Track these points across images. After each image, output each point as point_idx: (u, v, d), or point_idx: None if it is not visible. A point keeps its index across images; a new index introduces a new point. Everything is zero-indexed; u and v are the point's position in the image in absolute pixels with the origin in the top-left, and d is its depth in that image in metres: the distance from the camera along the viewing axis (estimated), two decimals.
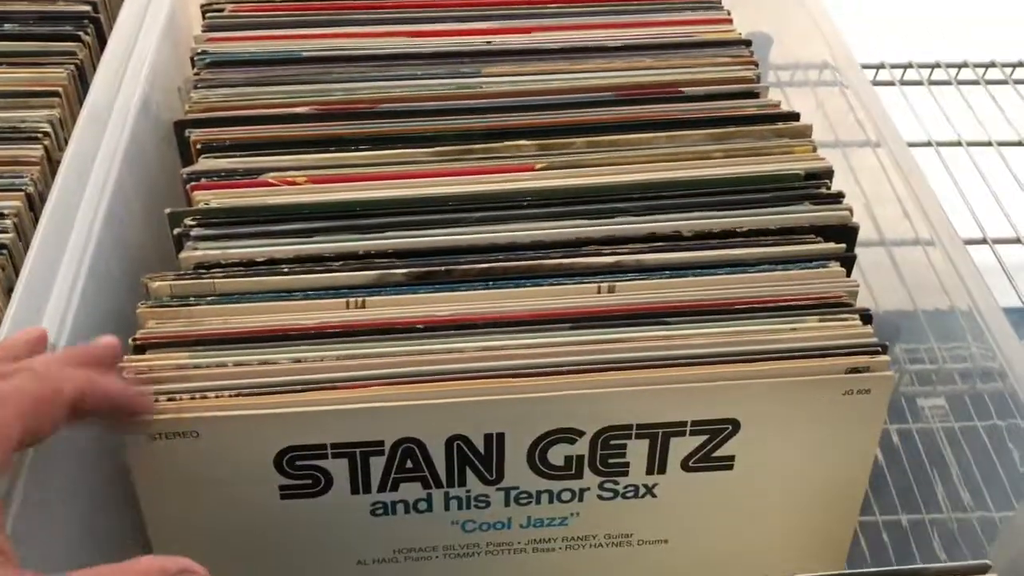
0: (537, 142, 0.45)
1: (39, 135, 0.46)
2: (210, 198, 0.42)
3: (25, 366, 0.31)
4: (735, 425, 0.37)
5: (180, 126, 0.45)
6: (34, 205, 0.44)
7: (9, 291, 0.39)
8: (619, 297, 0.39)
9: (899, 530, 0.49)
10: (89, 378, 0.32)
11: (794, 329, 0.37)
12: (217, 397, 0.35)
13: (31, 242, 0.40)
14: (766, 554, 0.41)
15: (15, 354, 0.33)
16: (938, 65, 0.76)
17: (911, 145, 0.46)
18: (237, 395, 0.35)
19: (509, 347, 0.37)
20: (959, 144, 0.70)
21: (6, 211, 0.42)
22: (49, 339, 0.36)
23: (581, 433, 0.37)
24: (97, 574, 0.27)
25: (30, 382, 0.30)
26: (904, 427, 0.51)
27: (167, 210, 0.41)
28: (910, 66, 0.76)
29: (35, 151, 0.45)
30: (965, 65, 0.76)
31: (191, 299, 0.38)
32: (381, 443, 0.36)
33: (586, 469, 0.38)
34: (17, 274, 0.40)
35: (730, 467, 0.38)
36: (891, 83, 0.75)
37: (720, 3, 0.54)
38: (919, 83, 0.76)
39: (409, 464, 0.37)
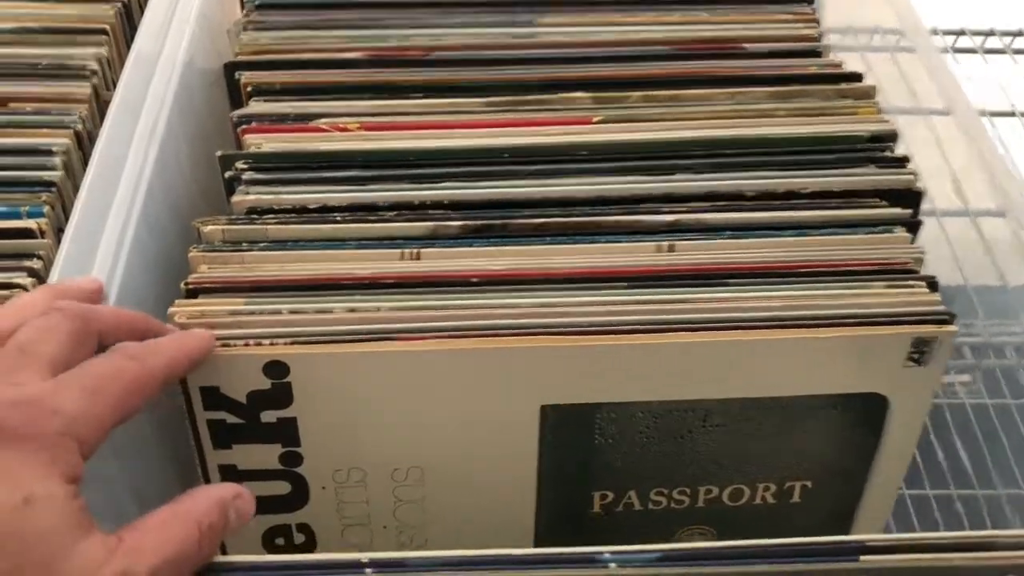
0: (592, 95, 0.43)
1: (87, 73, 0.45)
2: (261, 142, 0.41)
3: (119, 346, 0.31)
4: None
5: (230, 68, 0.44)
6: (83, 143, 0.43)
7: (59, 231, 0.39)
8: (679, 256, 0.38)
9: (949, 505, 0.49)
10: (175, 354, 0.32)
11: (859, 295, 0.36)
12: (272, 344, 0.35)
13: (81, 182, 0.40)
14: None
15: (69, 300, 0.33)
16: (1020, 33, 0.73)
17: (994, 115, 0.45)
18: (292, 343, 0.35)
19: (564, 304, 0.36)
20: None
21: (55, 148, 0.42)
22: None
23: None
24: (159, 521, 0.27)
25: (122, 361, 0.29)
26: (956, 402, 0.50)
27: (219, 152, 0.40)
28: (991, 33, 0.73)
29: (83, 89, 0.44)
30: None
31: (243, 245, 0.38)
32: None
33: None
34: (66, 213, 0.40)
35: None
36: (973, 50, 0.73)
37: None
38: (1002, 51, 0.73)
39: None
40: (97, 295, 0.35)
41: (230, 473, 0.38)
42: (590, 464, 0.38)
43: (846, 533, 0.41)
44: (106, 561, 0.25)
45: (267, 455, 0.37)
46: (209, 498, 0.29)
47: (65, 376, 0.28)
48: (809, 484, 0.39)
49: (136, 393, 0.29)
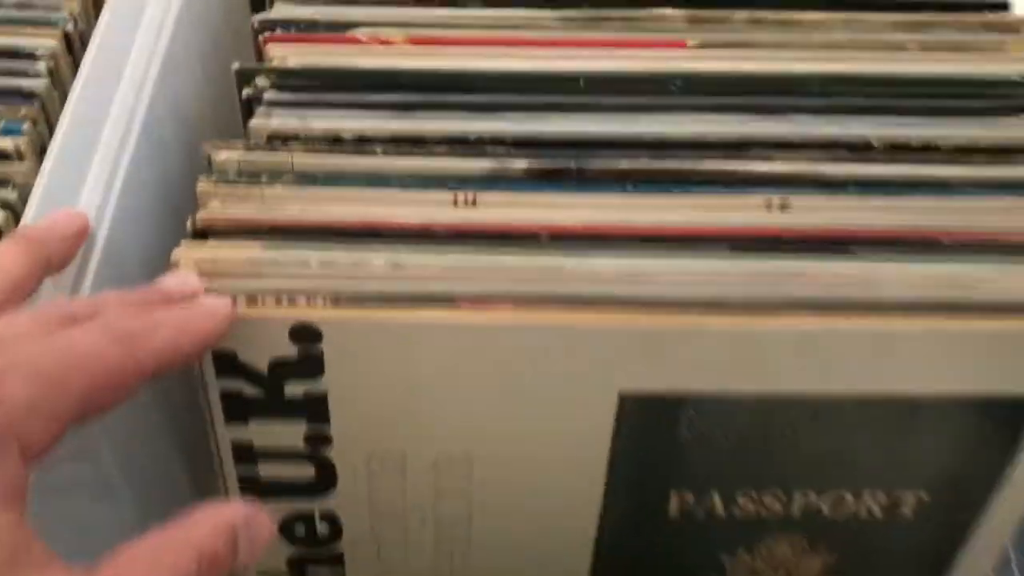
0: (687, 13, 0.36)
1: None
2: (287, 54, 0.34)
3: (96, 312, 0.24)
4: None
5: None
6: (73, 47, 0.36)
7: (42, 151, 0.32)
8: (794, 216, 0.31)
9: None
10: (177, 337, 0.25)
11: (1016, 274, 0.30)
12: (302, 305, 0.28)
13: (69, 94, 0.33)
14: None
15: (47, 252, 0.26)
16: None
17: None
18: (327, 303, 0.28)
19: (653, 272, 0.30)
20: None
21: (39, 52, 0.34)
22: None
23: None
24: (147, 550, 0.21)
25: (104, 342, 0.23)
26: None
27: (235, 65, 0.33)
28: None
29: None
30: None
31: (263, 177, 0.31)
32: None
33: None
34: (51, 131, 0.33)
35: None
36: None
37: None
38: None
39: None
40: (81, 238, 0.29)
41: (244, 453, 0.32)
42: (671, 462, 0.32)
43: (955, 557, 0.35)
44: None
45: (290, 434, 0.31)
46: (215, 521, 0.22)
47: (14, 352, 0.21)
48: (926, 497, 0.33)
49: (112, 388, 0.23)
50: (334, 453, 0.32)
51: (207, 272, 0.29)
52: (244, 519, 0.23)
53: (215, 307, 0.27)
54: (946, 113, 0.34)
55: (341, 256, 0.29)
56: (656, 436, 0.31)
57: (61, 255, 0.28)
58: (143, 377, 0.24)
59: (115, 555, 0.20)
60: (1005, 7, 0.37)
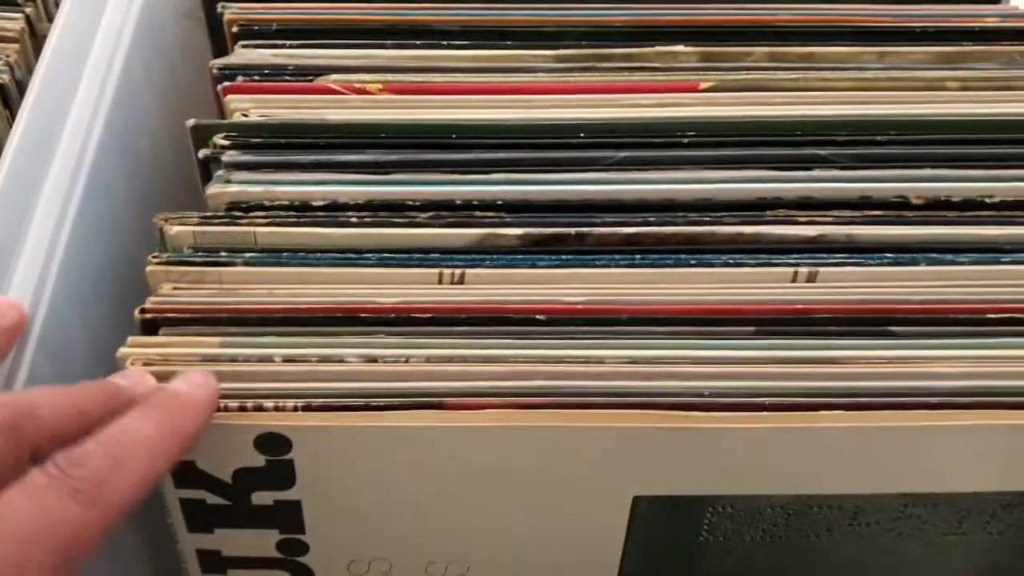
0: (700, 49, 0.32)
1: (19, 1, 0.34)
2: (248, 106, 0.31)
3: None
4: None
5: None
6: (9, 100, 0.32)
7: None
8: (823, 289, 0.28)
9: None
10: (151, 454, 0.22)
11: None
12: (265, 411, 0.25)
13: (2, 150, 0.29)
14: None
15: None
16: None
17: None
18: (295, 409, 0.25)
19: (668, 359, 0.26)
20: None
21: None
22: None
23: None
24: None
25: (71, 511, 0.19)
26: None
27: (190, 122, 0.29)
28: None
29: (13, 21, 0.33)
30: None
31: (223, 254, 0.28)
32: None
33: None
34: None
35: None
36: None
37: None
38: None
39: None
40: (15, 334, 0.25)
41: (212, 560, 0.28)
42: (690, 567, 0.29)
43: None
44: None
45: (261, 542, 0.28)
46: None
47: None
48: None
49: (79, 548, 0.19)
50: (311, 559, 0.29)
51: (157, 372, 0.25)
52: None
53: (191, 404, 0.23)
54: (994, 162, 0.30)
55: (310, 351, 0.26)
56: (675, 539, 0.28)
57: None
58: (114, 520, 0.20)
59: None
60: None
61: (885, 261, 0.28)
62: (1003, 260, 0.28)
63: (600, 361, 0.26)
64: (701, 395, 0.25)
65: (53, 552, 0.19)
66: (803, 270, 0.28)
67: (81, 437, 0.21)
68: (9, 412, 0.21)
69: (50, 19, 0.35)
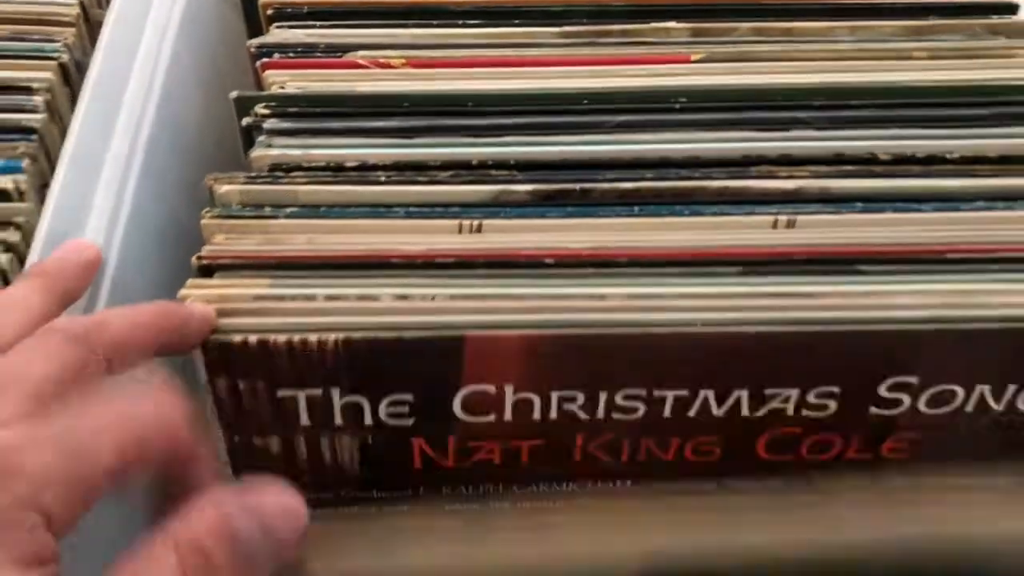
0: (691, 25, 0.36)
1: None
2: (285, 79, 0.34)
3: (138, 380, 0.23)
4: None
5: None
6: (70, 78, 0.36)
7: (43, 187, 0.32)
8: (800, 234, 0.31)
9: None
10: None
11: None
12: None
13: (69, 126, 0.33)
14: None
15: (64, 285, 0.26)
16: None
17: None
18: (332, 342, 0.28)
19: (662, 296, 0.29)
20: None
21: (35, 84, 0.34)
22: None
23: None
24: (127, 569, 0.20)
25: (146, 407, 0.22)
26: None
27: (233, 94, 0.33)
28: None
29: (70, 8, 0.37)
30: None
31: (267, 209, 0.31)
32: None
33: None
34: (52, 166, 0.33)
35: None
36: None
37: None
38: None
39: None
40: (93, 268, 0.28)
41: None
42: None
43: None
44: None
45: None
46: (201, 512, 0.20)
47: (42, 426, 0.20)
48: None
49: (140, 449, 0.21)
50: None
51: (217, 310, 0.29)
52: (242, 508, 0.21)
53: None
54: (954, 123, 0.33)
55: (349, 291, 0.29)
56: None
57: (76, 287, 0.28)
58: (175, 445, 0.22)
59: None
60: (1014, 10, 0.37)
61: (856, 209, 0.31)
62: (961, 208, 0.32)
63: (602, 297, 0.29)
64: (694, 325, 0.29)
65: (123, 443, 0.21)
66: (783, 218, 0.31)
67: (146, 348, 0.24)
68: (82, 324, 0.24)
69: (100, 5, 0.39)
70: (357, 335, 0.28)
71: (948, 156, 0.33)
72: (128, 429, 0.21)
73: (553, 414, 0.31)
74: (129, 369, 0.24)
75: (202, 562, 0.20)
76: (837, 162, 0.32)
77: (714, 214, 0.31)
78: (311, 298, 0.29)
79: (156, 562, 0.20)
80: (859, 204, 0.31)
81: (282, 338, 0.28)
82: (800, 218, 0.31)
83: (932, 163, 0.33)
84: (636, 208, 0.31)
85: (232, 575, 0.20)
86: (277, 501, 0.22)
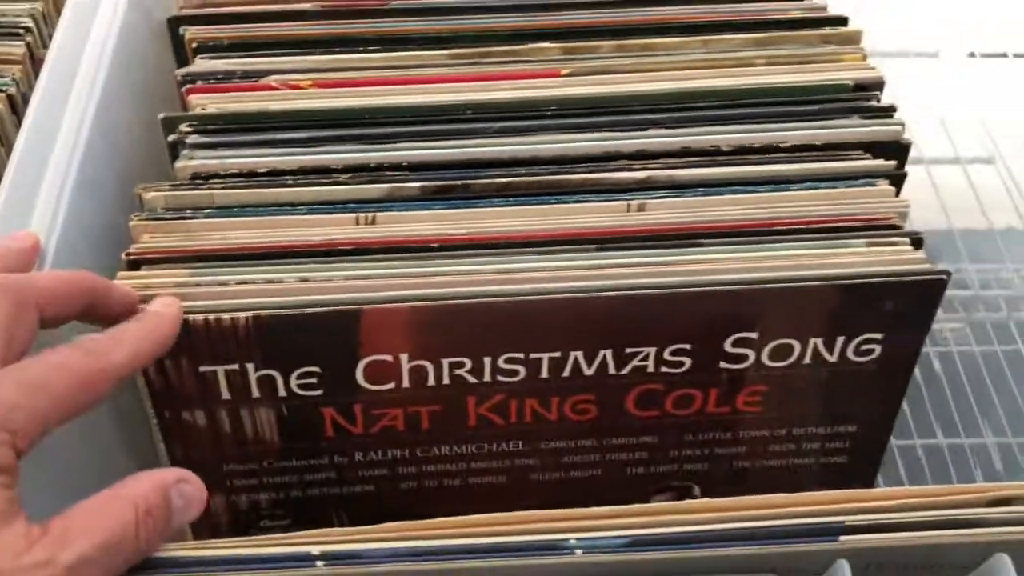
0: (562, 45, 0.41)
1: (20, 30, 0.42)
2: (207, 102, 0.39)
3: (79, 340, 0.28)
4: None
5: (174, 23, 0.42)
6: (16, 108, 0.40)
7: None
8: (650, 216, 0.36)
9: (937, 454, 0.48)
10: (141, 343, 0.29)
11: (839, 253, 0.35)
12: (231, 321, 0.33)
13: (14, 146, 0.37)
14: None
15: (7, 266, 0.30)
16: None
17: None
18: (243, 321, 0.33)
19: (530, 269, 0.34)
20: None
21: None
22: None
23: None
24: (92, 505, 0.25)
25: (76, 355, 0.27)
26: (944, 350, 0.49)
27: (161, 115, 0.38)
28: None
29: (16, 48, 0.42)
30: None
31: (188, 212, 0.36)
32: None
33: None
34: None
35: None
36: None
37: None
38: None
39: None
40: (34, 253, 0.33)
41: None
42: None
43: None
44: (25, 551, 0.24)
45: None
46: (150, 480, 0.27)
47: (1, 371, 0.25)
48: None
49: (85, 390, 0.27)
50: None
51: (140, 296, 0.33)
52: (175, 479, 0.27)
53: (169, 313, 0.32)
54: (787, 118, 0.38)
55: (257, 275, 0.34)
56: None
57: (17, 269, 0.32)
58: (112, 380, 0.28)
59: (64, 513, 0.25)
60: (845, 22, 0.43)
61: (698, 193, 0.36)
62: (792, 188, 0.37)
63: (479, 273, 0.34)
64: (555, 293, 0.33)
65: (71, 382, 0.26)
66: (634, 203, 0.36)
67: (72, 299, 0.29)
68: (12, 279, 0.28)
69: (45, 46, 0.43)
70: (264, 313, 0.33)
71: (781, 145, 0.38)
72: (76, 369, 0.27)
73: (446, 379, 0.35)
74: (61, 322, 0.28)
75: (146, 520, 0.26)
76: (685, 155, 0.37)
77: (576, 202, 0.36)
78: (224, 283, 0.34)
79: (114, 505, 0.25)
80: (701, 189, 0.37)
81: (200, 318, 0.33)
82: (650, 202, 0.36)
83: (767, 152, 0.38)
84: (510, 199, 0.36)
85: (159, 525, 0.26)
86: (197, 486, 0.28)
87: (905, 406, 0.51)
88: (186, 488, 0.27)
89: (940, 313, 0.35)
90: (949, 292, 0.35)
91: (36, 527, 0.24)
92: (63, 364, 0.26)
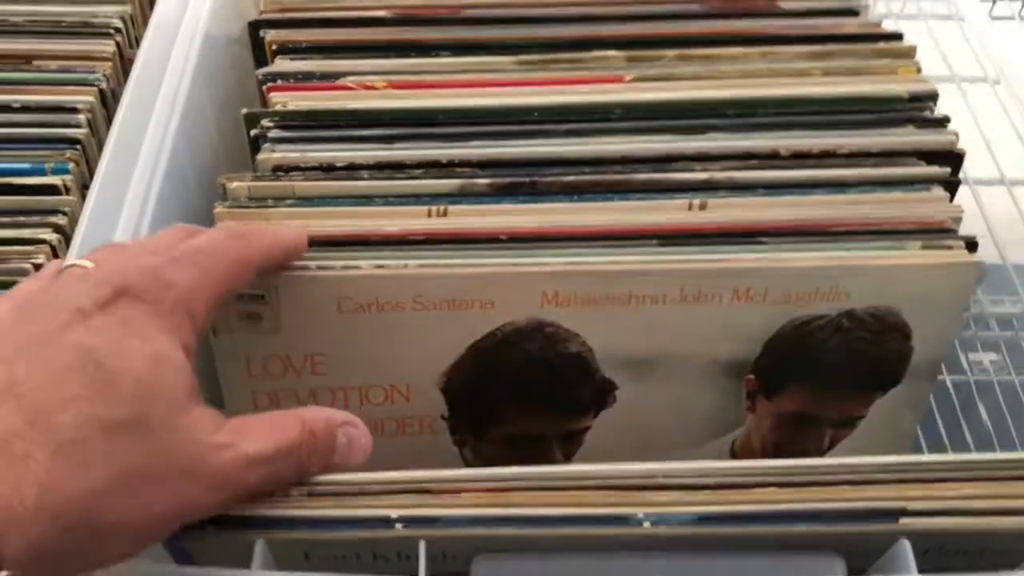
0: (626, 53, 0.43)
1: (111, 31, 0.45)
2: (287, 100, 0.41)
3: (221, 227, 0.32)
4: None
5: (255, 26, 0.44)
6: (106, 101, 0.43)
7: (83, 187, 0.39)
8: (711, 214, 0.37)
9: None
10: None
11: (895, 256, 0.36)
12: None
13: (105, 139, 0.40)
14: None
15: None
16: None
17: None
18: None
19: (595, 262, 0.36)
20: None
21: (80, 106, 0.41)
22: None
23: None
24: (264, 416, 0.28)
25: (232, 243, 0.30)
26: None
27: (244, 110, 0.40)
28: None
29: (107, 47, 0.44)
30: None
31: (269, 201, 0.37)
32: None
33: None
34: (91, 170, 0.39)
35: None
36: (1011, 17, 0.71)
37: None
38: None
39: None
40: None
41: None
42: None
43: None
44: (217, 430, 0.26)
45: None
46: (321, 411, 0.29)
47: (178, 253, 0.29)
48: None
49: (237, 273, 0.30)
50: None
51: None
52: (343, 420, 0.29)
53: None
54: (844, 126, 0.40)
55: (335, 262, 0.35)
56: None
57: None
58: (255, 266, 0.31)
59: (237, 417, 0.27)
60: (899, 38, 0.44)
61: (758, 194, 0.38)
62: (848, 192, 0.38)
63: (545, 264, 0.35)
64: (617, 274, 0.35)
65: (228, 264, 0.30)
66: (696, 201, 0.37)
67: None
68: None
69: (132, 46, 0.46)
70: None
71: (839, 151, 0.39)
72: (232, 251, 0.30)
73: None
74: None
75: (310, 439, 0.28)
76: (746, 158, 0.39)
77: (639, 199, 0.37)
78: (305, 268, 0.35)
79: (286, 420, 0.28)
80: (761, 190, 0.38)
81: None
82: (711, 201, 0.37)
83: (825, 157, 0.39)
84: (575, 196, 0.38)
85: (318, 460, 0.28)
86: (363, 432, 0.30)
87: (943, 434, 0.51)
88: (352, 431, 0.29)
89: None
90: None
91: (220, 413, 0.27)
92: (222, 246, 0.30)
